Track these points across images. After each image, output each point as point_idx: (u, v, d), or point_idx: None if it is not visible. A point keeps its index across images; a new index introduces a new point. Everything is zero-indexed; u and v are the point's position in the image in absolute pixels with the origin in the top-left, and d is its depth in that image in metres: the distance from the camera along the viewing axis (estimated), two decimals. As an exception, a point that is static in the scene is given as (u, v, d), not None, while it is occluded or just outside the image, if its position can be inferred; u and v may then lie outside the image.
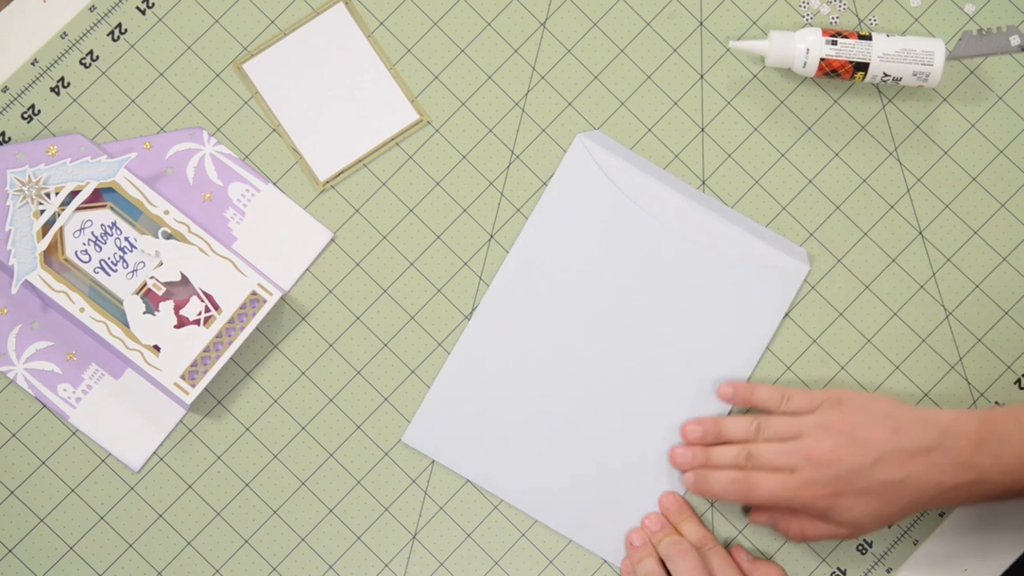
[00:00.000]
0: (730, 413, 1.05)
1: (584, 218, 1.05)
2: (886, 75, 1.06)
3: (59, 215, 1.02)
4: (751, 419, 1.03)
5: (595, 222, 1.05)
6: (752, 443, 1.02)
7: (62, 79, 1.06)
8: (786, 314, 1.07)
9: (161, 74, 1.06)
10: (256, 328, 1.05)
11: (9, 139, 1.05)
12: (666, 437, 1.04)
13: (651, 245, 1.05)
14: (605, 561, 1.05)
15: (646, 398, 1.05)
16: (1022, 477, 0.97)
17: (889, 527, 1.05)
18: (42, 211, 1.02)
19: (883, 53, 1.05)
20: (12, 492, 1.03)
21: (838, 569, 1.06)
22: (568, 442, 1.04)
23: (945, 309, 1.08)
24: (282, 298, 1.06)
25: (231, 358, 1.04)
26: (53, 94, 1.06)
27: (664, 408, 1.05)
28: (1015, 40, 1.08)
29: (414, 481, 1.05)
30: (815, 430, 1.00)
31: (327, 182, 1.06)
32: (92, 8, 1.06)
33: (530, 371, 1.04)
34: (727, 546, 1.05)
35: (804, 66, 1.06)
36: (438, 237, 1.07)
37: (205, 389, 1.04)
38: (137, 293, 1.02)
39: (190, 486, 1.04)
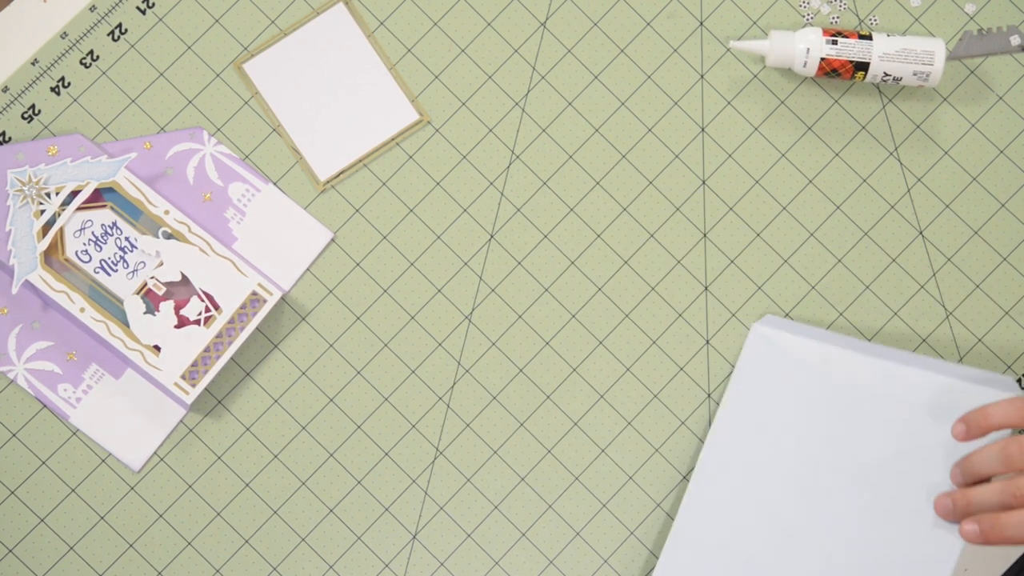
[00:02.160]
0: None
1: (774, 402, 1.02)
2: (886, 75, 1.06)
3: (59, 215, 1.02)
4: (1001, 445, 0.91)
5: (787, 403, 1.02)
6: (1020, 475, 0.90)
7: (62, 79, 1.06)
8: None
9: (161, 74, 1.06)
10: (256, 328, 1.05)
11: (9, 139, 1.05)
12: None
13: (849, 412, 1.01)
14: (604, 561, 1.05)
15: (866, 558, 1.00)
16: None
17: None
18: (42, 211, 1.02)
19: (883, 53, 1.05)
20: (12, 492, 1.03)
21: (838, 569, 1.06)
22: None
23: (945, 309, 1.08)
24: (282, 298, 1.06)
25: (231, 358, 1.04)
26: (53, 94, 1.06)
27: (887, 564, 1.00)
28: (1015, 40, 1.08)
29: (414, 481, 1.05)
30: None
31: (327, 182, 1.06)
32: (92, 8, 1.06)
33: (745, 555, 1.01)
34: None
35: (804, 66, 1.06)
36: (438, 237, 1.07)
37: (205, 389, 1.04)
38: (137, 293, 1.02)
39: (190, 486, 1.04)
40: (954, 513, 0.95)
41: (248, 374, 1.05)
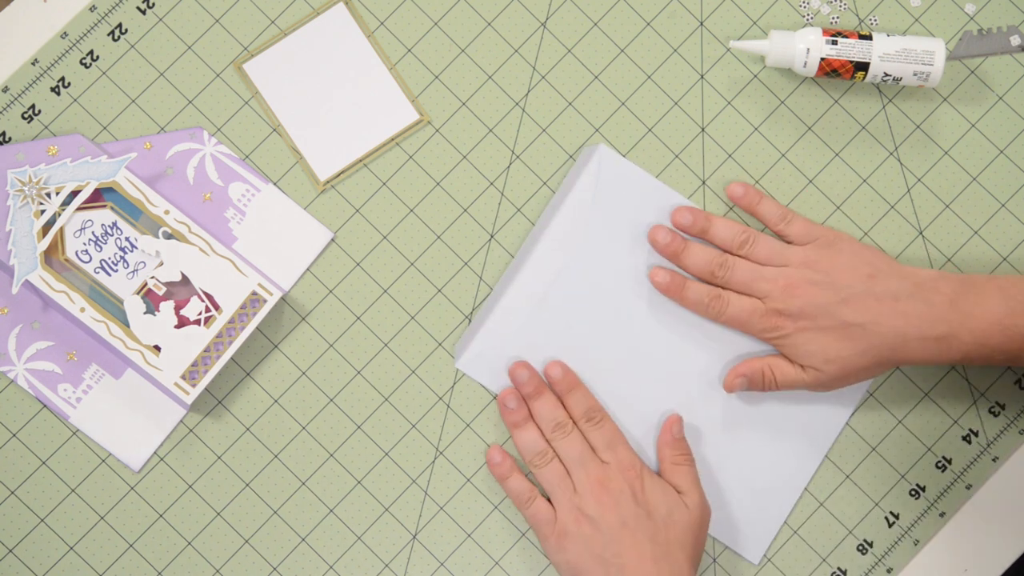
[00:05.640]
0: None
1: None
2: (886, 75, 1.06)
3: (59, 215, 1.02)
4: (743, 229, 1.04)
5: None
6: (733, 255, 1.03)
7: (62, 79, 1.06)
8: None
9: (161, 74, 1.06)
10: (256, 328, 1.05)
11: (9, 139, 1.05)
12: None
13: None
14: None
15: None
16: (990, 342, 0.98)
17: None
18: (42, 211, 1.02)
19: (883, 53, 1.05)
20: (12, 492, 1.03)
21: (838, 569, 1.06)
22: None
23: (945, 309, 1.08)
24: (282, 298, 1.06)
25: (231, 358, 1.04)
26: (53, 94, 1.06)
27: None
28: (1015, 40, 1.08)
29: (414, 481, 1.05)
30: (798, 264, 1.01)
31: (327, 182, 1.06)
32: (92, 8, 1.06)
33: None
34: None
35: (804, 66, 1.06)
36: (438, 237, 1.07)
37: (205, 389, 1.04)
38: (137, 293, 1.02)
39: (190, 486, 1.04)
40: (669, 246, 1.04)
41: (248, 374, 1.05)
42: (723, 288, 1.03)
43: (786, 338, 1.01)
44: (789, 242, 1.04)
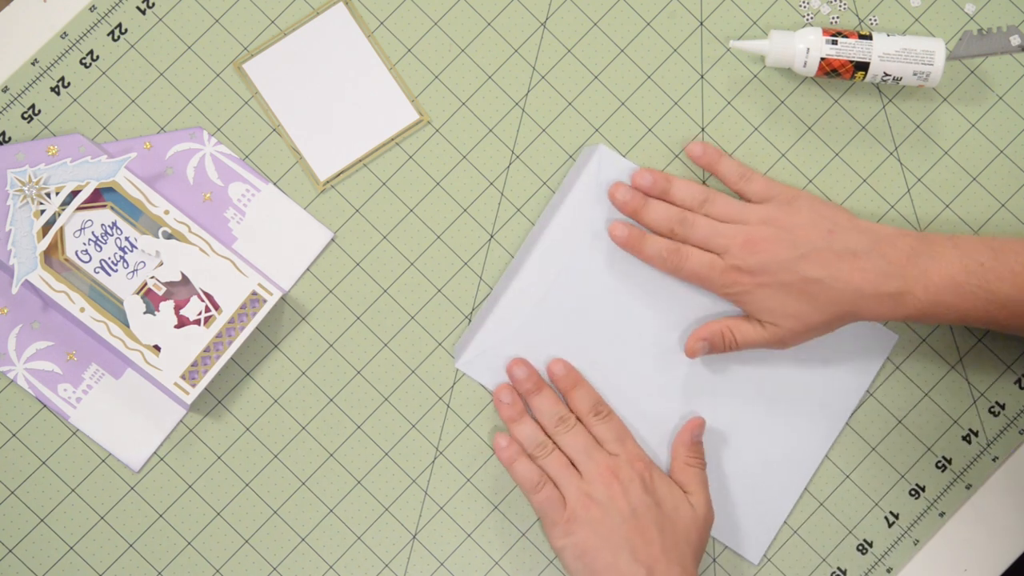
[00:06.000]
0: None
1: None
2: (886, 75, 1.06)
3: (59, 215, 1.02)
4: (703, 189, 1.04)
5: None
6: (693, 212, 1.03)
7: (62, 79, 1.06)
8: None
9: (161, 74, 1.06)
10: (256, 328, 1.05)
11: (9, 139, 1.05)
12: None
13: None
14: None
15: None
16: (942, 299, 0.99)
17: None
18: (42, 211, 1.02)
19: (883, 53, 1.05)
20: (12, 492, 1.03)
21: (838, 569, 1.06)
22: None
23: (945, 309, 1.08)
24: (282, 298, 1.06)
25: (231, 358, 1.04)
26: (53, 94, 1.06)
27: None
28: (1015, 40, 1.08)
29: (414, 481, 1.05)
30: (757, 222, 1.02)
31: (327, 182, 1.06)
32: (92, 8, 1.06)
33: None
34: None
35: (804, 66, 1.06)
36: (438, 237, 1.07)
37: (205, 389, 1.04)
38: (137, 293, 1.02)
39: (190, 486, 1.04)
40: (629, 203, 1.04)
41: (248, 374, 1.05)
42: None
43: (746, 294, 1.01)
44: (749, 201, 1.04)
